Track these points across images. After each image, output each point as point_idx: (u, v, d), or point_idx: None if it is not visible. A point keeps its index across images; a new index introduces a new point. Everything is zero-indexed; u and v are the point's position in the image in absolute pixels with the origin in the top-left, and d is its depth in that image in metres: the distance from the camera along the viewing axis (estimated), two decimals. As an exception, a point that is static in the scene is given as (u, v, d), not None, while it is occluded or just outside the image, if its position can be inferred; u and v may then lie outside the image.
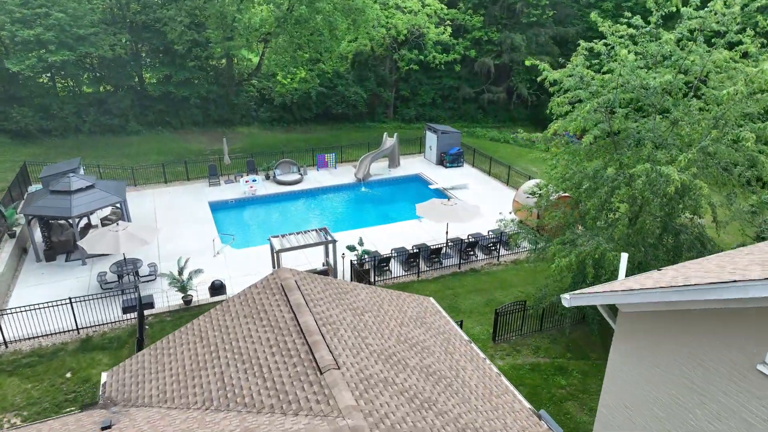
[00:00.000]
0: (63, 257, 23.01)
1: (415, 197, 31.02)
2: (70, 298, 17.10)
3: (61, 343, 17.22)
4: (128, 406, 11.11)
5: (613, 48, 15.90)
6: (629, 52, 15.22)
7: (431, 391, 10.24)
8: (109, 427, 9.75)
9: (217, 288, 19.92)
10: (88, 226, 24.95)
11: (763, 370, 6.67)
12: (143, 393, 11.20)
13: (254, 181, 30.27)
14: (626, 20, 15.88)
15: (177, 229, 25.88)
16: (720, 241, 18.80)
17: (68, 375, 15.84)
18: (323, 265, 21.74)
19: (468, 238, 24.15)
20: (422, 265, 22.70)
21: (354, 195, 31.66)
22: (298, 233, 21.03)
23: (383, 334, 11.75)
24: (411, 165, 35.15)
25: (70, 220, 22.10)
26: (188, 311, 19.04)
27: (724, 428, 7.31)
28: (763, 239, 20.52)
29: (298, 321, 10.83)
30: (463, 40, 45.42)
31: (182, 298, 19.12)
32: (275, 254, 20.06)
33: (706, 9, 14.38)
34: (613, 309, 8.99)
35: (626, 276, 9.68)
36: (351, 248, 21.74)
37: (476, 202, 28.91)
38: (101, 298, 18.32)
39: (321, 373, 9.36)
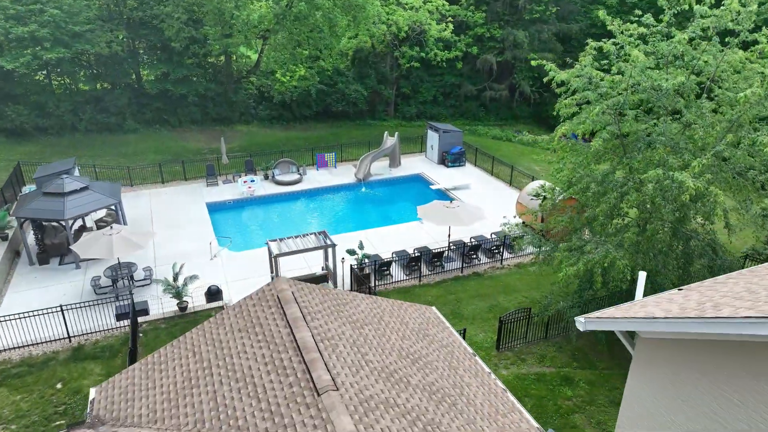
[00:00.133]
0: (56, 260, 22.50)
1: (417, 198, 30.49)
2: (61, 306, 16.57)
3: (52, 351, 16.71)
4: (117, 425, 10.60)
5: (622, 47, 15.34)
6: (640, 51, 14.63)
7: (434, 411, 9.73)
8: (94, 451, 9.24)
9: (213, 293, 19.41)
10: (83, 229, 24.42)
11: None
12: (133, 412, 10.69)
13: (252, 181, 29.73)
14: (636, 18, 15.29)
15: (173, 231, 25.36)
16: (730, 244, 18.30)
17: (59, 386, 15.35)
18: (322, 270, 21.22)
19: (471, 241, 23.63)
20: (424, 269, 22.17)
21: (354, 195, 31.12)
22: (296, 237, 20.51)
23: (384, 349, 11.23)
24: (412, 164, 34.58)
25: (63, 223, 21.59)
26: (184, 318, 18.53)
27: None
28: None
29: (294, 337, 10.31)
30: (465, 37, 44.76)
31: (177, 304, 18.61)
32: (273, 259, 19.54)
33: (721, 8, 13.78)
34: (631, 333, 8.47)
35: (643, 295, 9.15)
36: (351, 252, 21.21)
37: (478, 202, 28.36)
38: (94, 305, 17.78)
39: (318, 395, 8.85)
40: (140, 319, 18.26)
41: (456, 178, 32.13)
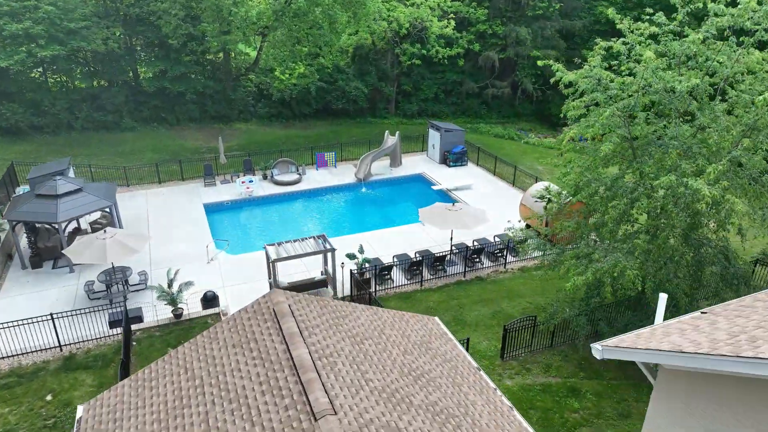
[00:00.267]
0: (50, 264, 21.99)
1: (418, 198, 29.96)
2: (51, 314, 16.04)
3: (42, 361, 16.20)
4: (104, 447, 10.11)
5: (632, 47, 14.76)
6: (651, 51, 14.03)
7: (438, 435, 9.22)
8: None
9: (209, 300, 18.89)
10: (77, 231, 23.90)
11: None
12: (121, 432, 10.19)
13: (251, 181, 29.19)
14: (648, 17, 14.70)
15: (170, 232, 24.84)
16: (741, 247, 17.76)
17: (49, 398, 14.85)
18: (321, 274, 20.70)
19: (473, 244, 23.11)
20: (426, 273, 21.64)
21: (354, 196, 30.57)
22: (294, 241, 19.97)
23: (385, 366, 10.71)
24: (413, 164, 34.00)
25: (56, 226, 21.07)
26: (179, 325, 18.02)
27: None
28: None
29: (291, 354, 9.79)
30: (467, 34, 44.11)
31: (172, 311, 18.09)
32: (271, 264, 19.01)
33: (738, 6, 13.18)
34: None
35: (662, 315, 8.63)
36: (351, 256, 20.68)
37: (481, 203, 27.83)
38: (86, 313, 17.23)
39: (315, 420, 8.33)
40: (134, 327, 17.75)
41: (458, 178, 31.57)
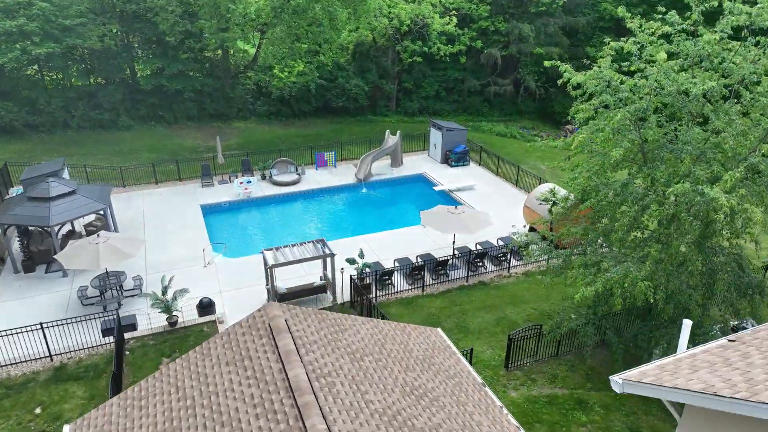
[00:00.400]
0: (43, 268, 21.48)
1: (420, 199, 29.42)
2: (41, 323, 15.51)
3: (31, 372, 15.69)
4: (90, 472, 9.62)
5: (643, 47, 14.17)
6: (663, 51, 13.46)
7: (443, 463, 8.71)
8: None
9: (205, 306, 18.37)
10: (71, 234, 23.39)
11: None
12: (108, 456, 9.68)
13: (249, 182, 28.65)
14: (660, 16, 14.10)
15: (166, 235, 24.31)
16: (754, 254, 17.25)
17: (38, 411, 14.35)
18: (321, 279, 20.18)
19: (476, 248, 22.58)
20: (427, 278, 21.10)
21: (355, 197, 30.01)
22: (293, 246, 19.44)
23: (386, 385, 10.19)
24: (414, 163, 33.43)
25: (49, 229, 20.55)
26: (174, 333, 17.51)
27: None
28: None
29: (287, 374, 9.27)
30: (469, 31, 43.40)
31: (167, 319, 17.58)
32: (269, 270, 18.48)
33: (757, 6, 12.59)
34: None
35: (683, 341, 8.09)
36: (351, 261, 20.15)
37: (483, 204, 27.29)
38: (77, 322, 16.70)
39: (312, 449, 7.83)
40: (127, 335, 17.24)
41: (460, 179, 31.00)
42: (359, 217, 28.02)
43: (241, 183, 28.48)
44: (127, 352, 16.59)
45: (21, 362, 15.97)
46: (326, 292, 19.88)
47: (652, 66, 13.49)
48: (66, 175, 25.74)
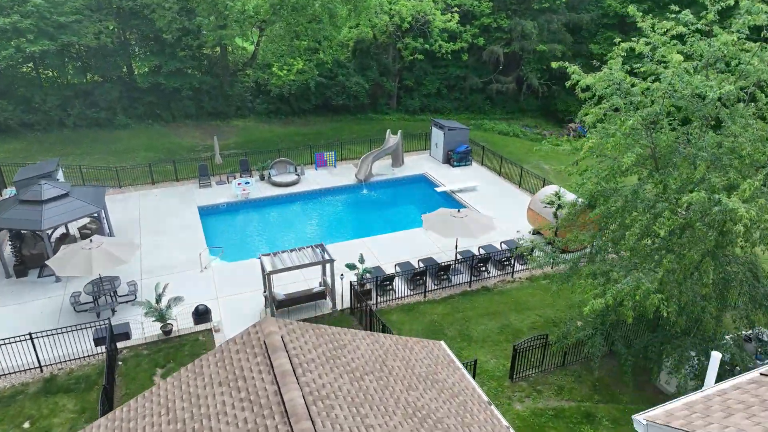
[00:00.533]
0: (35, 273, 20.97)
1: (421, 200, 28.89)
2: (30, 334, 14.98)
3: (20, 384, 15.17)
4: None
5: (655, 48, 13.60)
6: (677, 52, 12.89)
7: (448, 494, 8.20)
8: None
9: (201, 314, 17.86)
10: (65, 236, 22.87)
11: None
12: (94, 483, 9.19)
13: (247, 183, 28.09)
14: (673, 15, 13.52)
15: (162, 238, 23.78)
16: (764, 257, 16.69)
17: (26, 425, 13.85)
18: (320, 285, 19.66)
19: (479, 252, 22.06)
20: (429, 284, 20.57)
21: (355, 198, 29.46)
22: (291, 251, 18.91)
23: (387, 407, 9.68)
24: (416, 163, 32.85)
25: (41, 233, 20.03)
26: (168, 342, 17.00)
27: None
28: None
29: (282, 398, 8.75)
30: (471, 27, 42.75)
31: (161, 328, 17.06)
32: (266, 276, 17.95)
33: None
34: None
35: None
36: (350, 266, 19.62)
37: (486, 205, 26.74)
38: (68, 332, 16.18)
39: (308, 482, 7.33)
40: (120, 345, 16.73)
41: (462, 179, 30.44)
42: (360, 219, 27.48)
43: (239, 184, 27.94)
44: (120, 363, 16.09)
45: (9, 374, 15.44)
46: (326, 299, 19.37)
47: (665, 68, 12.91)
48: (60, 176, 25.19)
